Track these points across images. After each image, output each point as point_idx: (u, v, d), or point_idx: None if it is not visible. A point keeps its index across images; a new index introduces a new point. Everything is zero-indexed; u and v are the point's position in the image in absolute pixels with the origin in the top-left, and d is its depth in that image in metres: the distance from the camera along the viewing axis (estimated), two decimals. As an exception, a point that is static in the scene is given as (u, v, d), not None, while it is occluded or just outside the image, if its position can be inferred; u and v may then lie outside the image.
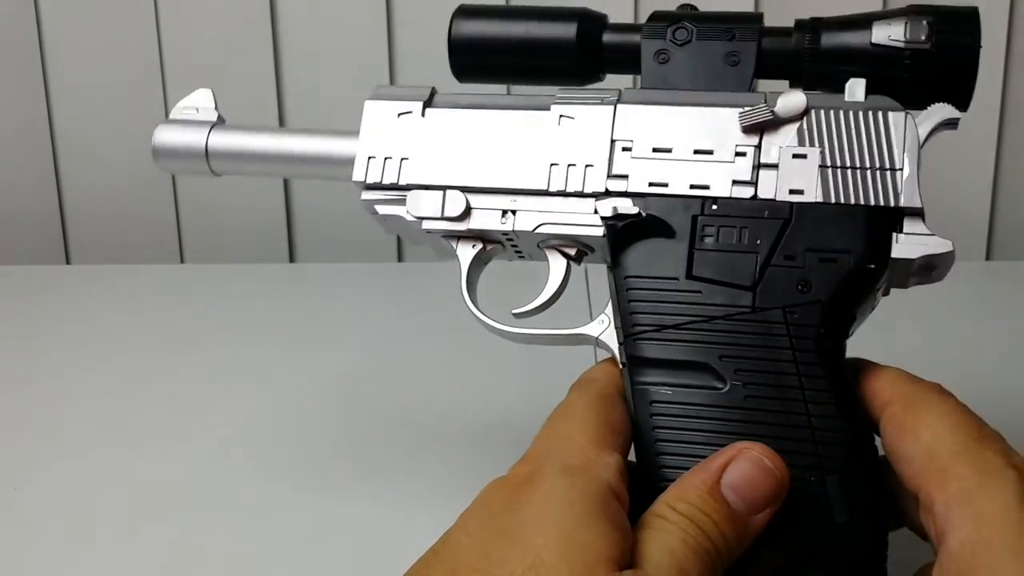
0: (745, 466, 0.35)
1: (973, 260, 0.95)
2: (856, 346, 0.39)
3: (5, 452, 0.60)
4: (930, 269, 0.40)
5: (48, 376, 0.72)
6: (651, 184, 0.41)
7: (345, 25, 0.96)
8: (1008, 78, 0.92)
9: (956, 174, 0.94)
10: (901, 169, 0.39)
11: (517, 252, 0.46)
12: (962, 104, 0.40)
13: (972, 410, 0.35)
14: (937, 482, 0.33)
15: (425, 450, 0.58)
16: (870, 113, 0.40)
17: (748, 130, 0.41)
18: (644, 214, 0.41)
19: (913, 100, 0.41)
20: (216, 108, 0.50)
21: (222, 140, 0.49)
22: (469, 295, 0.44)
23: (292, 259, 1.03)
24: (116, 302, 0.87)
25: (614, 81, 0.46)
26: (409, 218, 0.44)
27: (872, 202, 0.39)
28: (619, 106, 0.43)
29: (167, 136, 0.49)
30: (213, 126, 0.49)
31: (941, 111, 0.40)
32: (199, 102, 0.50)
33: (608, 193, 0.42)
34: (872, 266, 0.38)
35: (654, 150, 0.42)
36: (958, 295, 0.83)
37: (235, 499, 0.54)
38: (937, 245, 0.39)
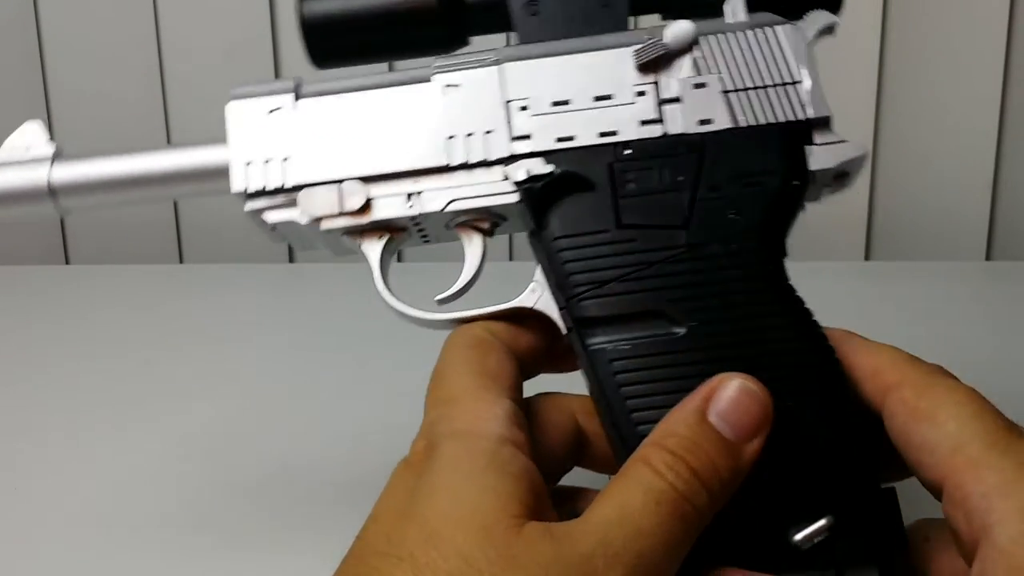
0: (731, 393, 0.34)
1: (973, 260, 0.94)
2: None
3: (3, 451, 0.61)
4: (844, 176, 0.40)
5: (47, 375, 0.72)
6: (558, 139, 0.40)
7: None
8: (1008, 78, 0.92)
9: (956, 174, 0.94)
10: (800, 81, 0.39)
11: (423, 236, 0.43)
12: (833, 7, 0.41)
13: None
14: (970, 473, 0.32)
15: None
16: (759, 31, 0.40)
17: (644, 68, 0.40)
18: (558, 171, 0.39)
19: (789, 12, 0.41)
20: (52, 139, 0.43)
21: (68, 172, 0.42)
22: (387, 289, 0.41)
23: (291, 259, 1.03)
24: (115, 302, 0.87)
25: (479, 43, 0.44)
26: (304, 220, 0.40)
27: (782, 118, 0.39)
28: (505, 65, 0.41)
29: None
30: (54, 159, 0.42)
31: (818, 18, 0.41)
32: (27, 138, 0.43)
33: (514, 157, 0.40)
34: (797, 183, 0.38)
35: (553, 104, 0.40)
36: (958, 295, 0.83)
37: (232, 496, 0.54)
38: (852, 149, 0.39)
